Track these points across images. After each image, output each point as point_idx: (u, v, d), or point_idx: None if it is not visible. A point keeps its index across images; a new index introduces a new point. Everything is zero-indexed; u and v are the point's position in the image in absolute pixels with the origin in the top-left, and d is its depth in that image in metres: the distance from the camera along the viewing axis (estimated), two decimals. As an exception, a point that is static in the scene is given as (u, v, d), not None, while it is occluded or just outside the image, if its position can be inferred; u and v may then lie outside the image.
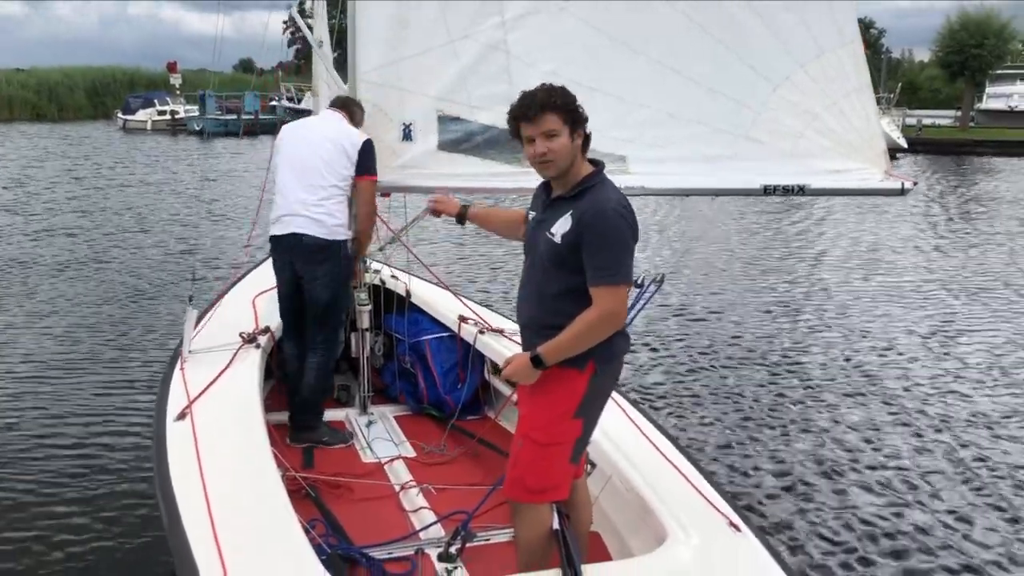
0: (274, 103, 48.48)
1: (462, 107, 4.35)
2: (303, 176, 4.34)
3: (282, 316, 4.66)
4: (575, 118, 2.76)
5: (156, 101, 46.45)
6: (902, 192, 3.78)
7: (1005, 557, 4.47)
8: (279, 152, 4.48)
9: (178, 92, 48.10)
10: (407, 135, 4.49)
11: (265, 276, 5.32)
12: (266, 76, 61.20)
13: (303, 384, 4.56)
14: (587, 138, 2.84)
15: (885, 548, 4.53)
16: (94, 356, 7.59)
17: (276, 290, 4.64)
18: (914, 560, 4.43)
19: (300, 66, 71.28)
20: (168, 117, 44.55)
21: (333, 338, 4.63)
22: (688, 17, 3.86)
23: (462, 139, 4.40)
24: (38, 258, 11.90)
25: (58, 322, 8.64)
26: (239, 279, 5.91)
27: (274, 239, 4.44)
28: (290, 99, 46.52)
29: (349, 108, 4.45)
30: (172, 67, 51.34)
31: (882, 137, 3.85)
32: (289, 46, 71.57)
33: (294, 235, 4.33)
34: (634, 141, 4.10)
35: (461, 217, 3.54)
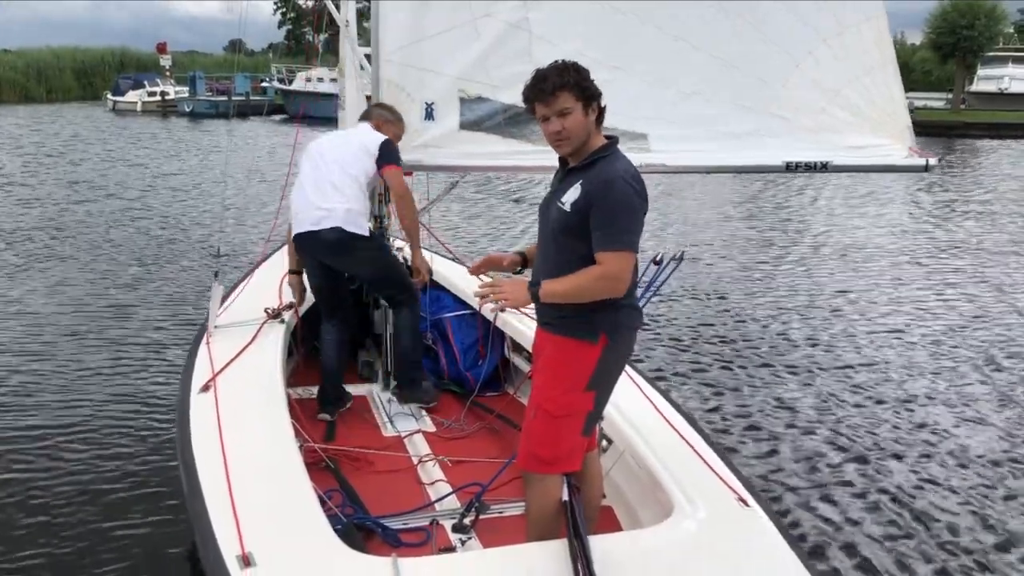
0: (265, 84, 48.15)
1: (484, 86, 4.38)
2: (329, 177, 4.39)
3: (320, 303, 4.71)
4: (588, 94, 2.79)
5: (146, 82, 46.08)
6: (926, 168, 3.81)
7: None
8: (308, 158, 4.52)
9: (168, 73, 47.74)
10: (429, 114, 4.52)
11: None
12: (256, 57, 60.77)
13: (399, 346, 4.70)
14: (601, 111, 2.86)
15: (897, 530, 4.56)
16: (119, 328, 7.72)
17: (308, 280, 4.70)
18: (926, 540, 4.46)
19: (289, 46, 70.84)
20: (158, 99, 44.22)
21: (411, 294, 4.71)
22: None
23: (484, 118, 4.44)
24: (62, 231, 12.07)
25: (82, 295, 8.80)
26: (266, 257, 5.97)
27: (305, 236, 4.44)
28: (280, 80, 46.15)
29: (369, 115, 4.56)
30: (162, 48, 50.88)
31: (906, 112, 3.86)
32: (279, 27, 71.06)
33: (326, 231, 4.35)
34: (655, 119, 4.14)
35: (524, 259, 3.32)
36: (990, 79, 43.05)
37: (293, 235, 4.50)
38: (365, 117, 4.61)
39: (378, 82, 4.49)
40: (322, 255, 4.47)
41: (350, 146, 4.44)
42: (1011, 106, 39.74)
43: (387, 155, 4.40)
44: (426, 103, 4.50)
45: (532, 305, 2.93)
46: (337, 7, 5.04)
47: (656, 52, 4.09)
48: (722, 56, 3.99)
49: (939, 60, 45.63)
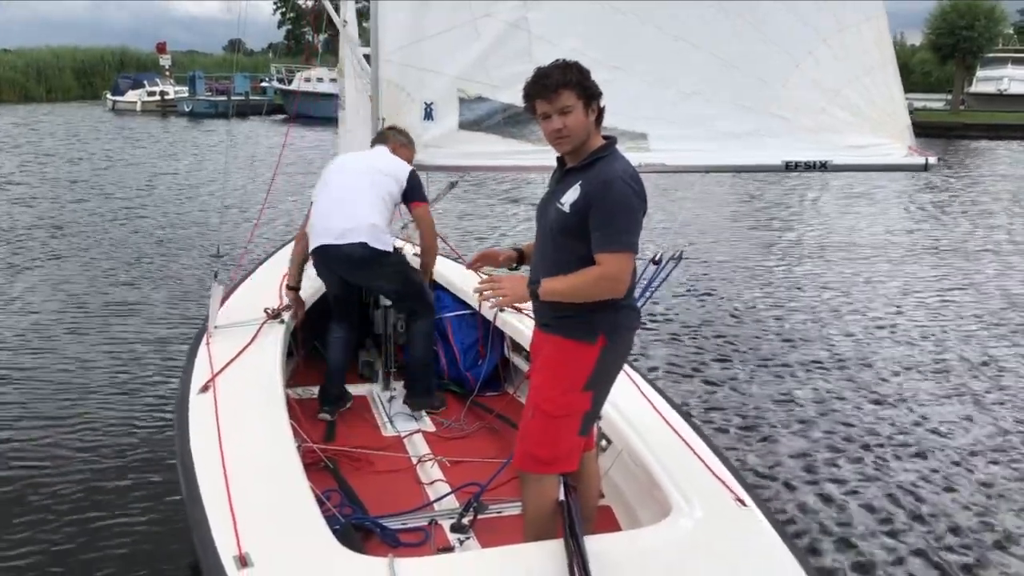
0: (265, 84, 48.14)
1: (483, 86, 4.39)
2: (353, 193, 4.42)
3: (333, 308, 4.75)
4: (589, 93, 2.80)
5: (146, 82, 46.05)
6: (925, 167, 3.79)
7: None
8: (328, 176, 4.55)
9: (167, 73, 47.70)
10: (428, 114, 4.54)
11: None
12: (256, 57, 60.80)
13: (414, 353, 4.73)
14: (601, 112, 2.87)
15: (895, 530, 4.53)
16: (119, 327, 7.78)
17: (327, 289, 4.72)
18: (924, 540, 4.43)
19: (289, 46, 70.94)
20: (158, 98, 44.19)
21: (429, 306, 4.75)
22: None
23: (483, 118, 4.45)
24: (62, 230, 12.14)
25: (81, 294, 8.88)
26: (266, 259, 5.97)
27: (328, 248, 4.42)
28: (280, 80, 46.13)
29: (385, 138, 4.61)
30: (161, 48, 50.86)
31: (906, 112, 3.84)
32: (279, 27, 71.13)
33: (352, 245, 4.35)
34: (655, 118, 4.14)
35: (521, 255, 3.33)
36: (989, 80, 43.04)
37: (313, 247, 4.47)
38: (381, 141, 4.63)
39: (378, 82, 4.50)
40: (344, 270, 4.48)
41: (374, 167, 4.47)
42: (1010, 107, 39.73)
43: (418, 190, 4.50)
44: (425, 103, 4.51)
45: (530, 304, 2.93)
46: (336, 7, 5.05)
47: (656, 52, 4.09)
48: (722, 56, 3.99)
49: (938, 61, 45.64)
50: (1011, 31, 50.02)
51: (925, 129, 34.13)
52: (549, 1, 4.19)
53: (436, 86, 4.46)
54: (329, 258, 4.43)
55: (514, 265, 3.31)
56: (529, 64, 4.03)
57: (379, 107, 4.57)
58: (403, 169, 4.48)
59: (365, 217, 4.34)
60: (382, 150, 4.56)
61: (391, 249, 4.45)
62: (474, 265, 3.40)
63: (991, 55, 43.20)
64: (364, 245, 4.32)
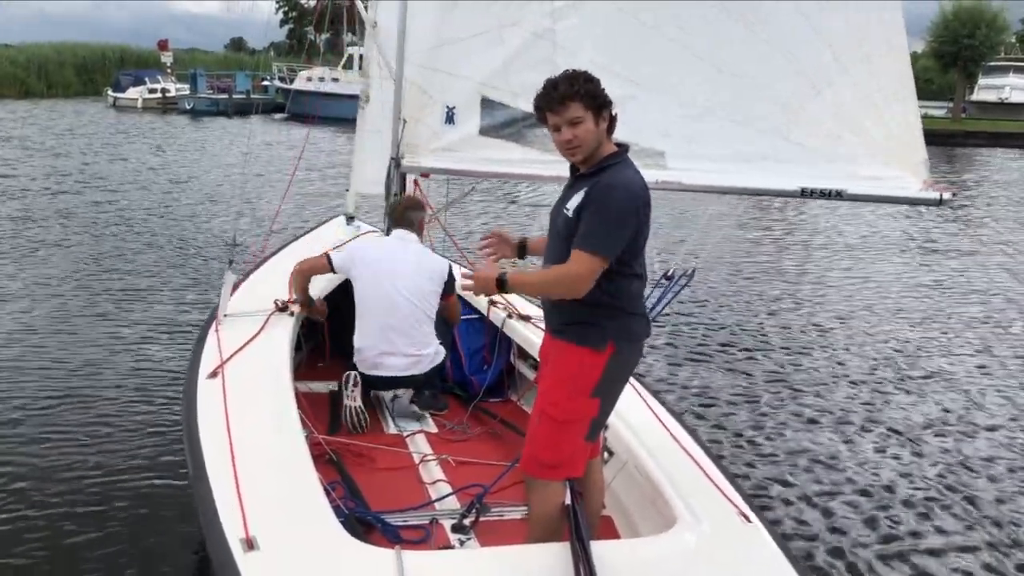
0: (266, 83, 48.09)
1: (504, 93, 4.40)
2: (401, 321, 4.47)
3: None
4: (599, 103, 2.80)
5: (147, 79, 45.94)
6: (939, 203, 3.74)
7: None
8: (361, 276, 4.52)
9: (169, 71, 47.62)
10: (449, 118, 4.54)
11: (305, 247, 5.42)
12: (258, 56, 60.78)
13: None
14: (612, 119, 2.87)
15: (898, 551, 4.50)
16: (131, 313, 7.91)
17: None
18: (931, 567, 4.39)
19: (291, 45, 70.95)
20: (159, 96, 44.09)
21: (457, 318, 4.96)
22: (736, 15, 3.85)
23: (503, 125, 4.45)
24: (75, 215, 12.45)
25: (95, 280, 9.05)
26: (279, 249, 5.98)
27: (388, 380, 4.54)
28: (282, 79, 46.06)
29: (409, 221, 4.62)
30: (163, 45, 50.78)
31: (923, 146, 3.79)
32: (281, 26, 71.15)
33: (417, 376, 4.55)
34: (674, 136, 4.12)
35: (522, 248, 3.37)
36: (991, 88, 43.17)
37: (364, 372, 4.50)
38: (406, 225, 4.63)
39: (401, 84, 4.50)
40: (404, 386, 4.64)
41: (418, 273, 4.51)
42: (1011, 116, 39.86)
43: (453, 284, 4.61)
44: (447, 107, 4.52)
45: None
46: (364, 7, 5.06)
47: (679, 70, 4.05)
48: (744, 78, 3.95)
49: (940, 69, 45.68)
50: (1013, 40, 50.08)
51: (926, 137, 33.84)
52: (578, 11, 4.15)
53: (458, 90, 4.47)
54: (388, 384, 4.58)
55: (514, 260, 3.37)
56: (551, 74, 4.05)
57: (401, 108, 4.56)
58: (442, 272, 4.59)
59: (426, 346, 4.51)
60: (412, 239, 4.62)
61: (440, 361, 4.62)
62: (489, 240, 3.36)
63: (993, 63, 43.30)
64: (428, 372, 4.56)
